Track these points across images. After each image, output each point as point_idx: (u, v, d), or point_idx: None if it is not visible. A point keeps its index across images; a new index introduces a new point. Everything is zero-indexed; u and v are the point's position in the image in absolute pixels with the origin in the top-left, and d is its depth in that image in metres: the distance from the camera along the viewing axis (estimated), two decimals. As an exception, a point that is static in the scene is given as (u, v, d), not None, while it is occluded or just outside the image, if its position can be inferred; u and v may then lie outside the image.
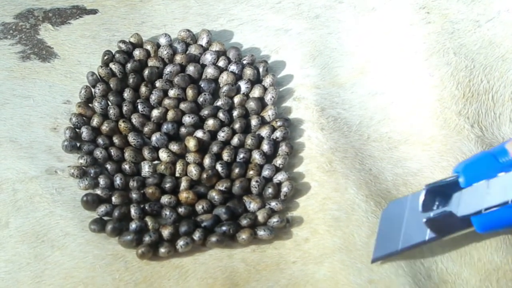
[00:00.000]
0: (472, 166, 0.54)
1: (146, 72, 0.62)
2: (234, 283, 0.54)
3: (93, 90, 0.61)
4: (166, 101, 0.61)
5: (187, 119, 0.60)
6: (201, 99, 0.61)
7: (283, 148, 0.59)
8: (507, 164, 0.53)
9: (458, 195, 0.54)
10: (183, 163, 0.58)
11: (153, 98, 0.61)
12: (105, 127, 0.60)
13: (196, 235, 0.55)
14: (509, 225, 0.54)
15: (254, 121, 0.60)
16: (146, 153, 0.59)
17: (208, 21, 0.66)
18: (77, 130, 0.60)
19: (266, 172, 0.58)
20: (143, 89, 0.61)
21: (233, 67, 0.63)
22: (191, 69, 0.62)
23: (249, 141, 0.59)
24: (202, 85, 0.62)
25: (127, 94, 0.61)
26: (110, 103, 0.61)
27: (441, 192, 0.54)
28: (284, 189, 0.57)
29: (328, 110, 0.61)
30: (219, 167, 0.58)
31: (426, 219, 0.53)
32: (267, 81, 0.62)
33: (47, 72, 0.63)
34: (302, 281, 0.54)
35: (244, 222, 0.56)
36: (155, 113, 0.60)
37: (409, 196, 0.56)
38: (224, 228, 0.55)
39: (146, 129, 0.60)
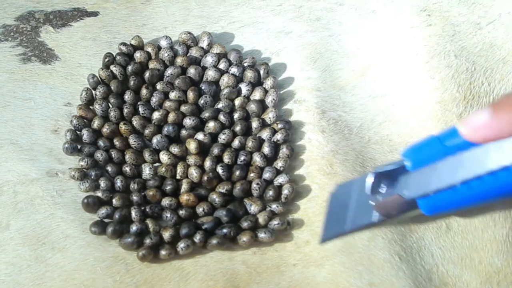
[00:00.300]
0: (418, 150, 0.54)
1: (147, 74, 0.62)
2: (235, 285, 0.54)
3: (94, 92, 0.61)
4: (167, 104, 0.61)
5: (188, 122, 0.60)
6: (201, 102, 0.61)
7: (283, 151, 0.59)
8: (453, 147, 0.53)
9: (405, 178, 0.54)
10: (183, 166, 0.58)
11: (154, 100, 0.61)
12: (106, 129, 0.60)
13: (197, 237, 0.55)
14: (456, 208, 0.54)
15: (255, 124, 0.60)
16: (146, 155, 0.59)
17: (209, 24, 0.66)
18: (78, 132, 0.60)
19: (266, 175, 0.58)
20: (144, 91, 0.61)
21: (234, 70, 0.63)
22: (192, 71, 0.62)
23: (249, 143, 0.59)
24: (203, 88, 0.62)
25: (128, 96, 0.61)
26: (111, 105, 0.61)
27: (388, 175, 0.54)
28: (285, 191, 0.57)
29: (329, 112, 0.61)
30: (219, 170, 0.58)
31: (374, 202, 0.53)
32: (268, 83, 0.62)
33: (48, 74, 0.63)
34: (303, 284, 0.54)
35: (244, 224, 0.56)
36: (156, 115, 0.60)
37: (357, 179, 0.56)
38: (224, 230, 0.55)
39: (146, 131, 0.60)
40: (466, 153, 0.52)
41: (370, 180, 0.54)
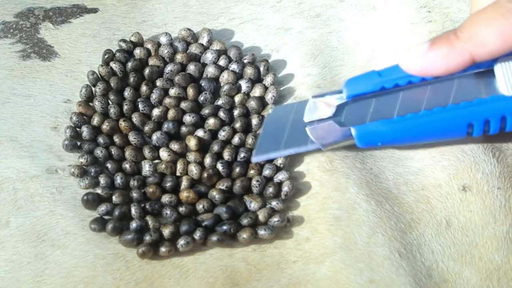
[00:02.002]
0: (357, 81, 0.57)
1: (147, 71, 0.62)
2: (234, 283, 0.54)
3: (93, 89, 0.61)
4: (167, 100, 0.61)
5: (188, 118, 0.60)
6: (201, 98, 0.61)
7: (283, 147, 0.59)
8: (391, 81, 0.56)
9: (342, 107, 0.56)
10: (183, 162, 0.58)
11: (154, 97, 0.61)
12: (105, 126, 0.60)
13: (197, 235, 0.55)
14: (389, 142, 0.57)
15: (254, 120, 0.60)
16: (146, 152, 0.59)
17: (208, 20, 0.66)
18: (77, 129, 0.60)
19: (266, 172, 0.58)
20: (143, 88, 0.61)
21: (233, 66, 0.62)
22: (191, 68, 0.62)
23: (249, 140, 0.59)
24: (202, 84, 0.62)
25: (127, 93, 0.61)
26: (110, 102, 0.61)
27: (326, 103, 0.57)
28: (285, 188, 0.57)
29: (329, 109, 0.61)
30: (219, 166, 0.58)
31: (309, 128, 0.57)
32: (268, 80, 0.62)
33: (48, 71, 0.63)
34: (303, 281, 0.54)
35: (244, 221, 0.56)
36: (156, 112, 0.60)
37: (296, 104, 0.58)
38: (224, 227, 0.55)
39: (146, 128, 0.60)
40: (403, 88, 0.56)
41: (308, 105, 0.57)
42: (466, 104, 0.55)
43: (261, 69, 0.63)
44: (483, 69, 0.56)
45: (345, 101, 0.57)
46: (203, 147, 0.59)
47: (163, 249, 0.55)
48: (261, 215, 0.56)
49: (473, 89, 0.56)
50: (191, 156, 0.59)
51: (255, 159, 0.58)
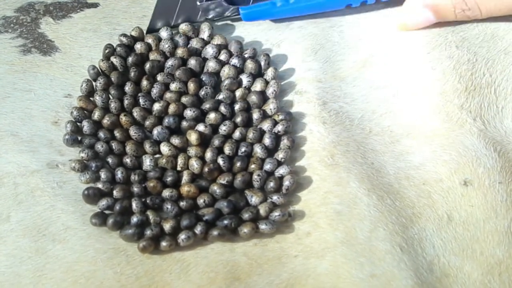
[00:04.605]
0: None
1: (147, 65, 0.62)
2: (235, 277, 0.54)
3: (94, 83, 0.61)
4: (168, 95, 0.61)
5: (189, 113, 0.60)
6: (202, 93, 0.61)
7: (284, 142, 0.59)
8: None
9: None
10: (184, 157, 0.58)
11: (155, 91, 0.61)
12: (106, 121, 0.59)
13: (198, 229, 0.55)
14: (272, 17, 0.65)
15: (255, 115, 0.60)
16: (147, 146, 0.59)
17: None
18: (78, 123, 0.60)
19: (267, 166, 0.58)
20: (144, 82, 0.61)
21: (234, 61, 0.62)
22: (192, 62, 0.62)
23: (250, 134, 0.59)
24: (203, 79, 0.62)
25: (128, 87, 0.61)
26: (111, 97, 0.61)
27: None
28: (286, 183, 0.57)
29: (330, 103, 0.61)
30: (220, 161, 0.58)
31: (200, 3, 0.64)
32: (269, 74, 0.62)
33: (48, 66, 0.63)
34: (304, 275, 0.54)
35: (245, 216, 0.56)
36: (157, 106, 0.60)
37: None
38: (225, 221, 0.55)
39: (147, 123, 0.60)
40: None
41: None
42: None
43: (262, 63, 0.63)
44: None
45: None
46: (204, 141, 0.59)
47: (164, 244, 0.55)
48: (262, 210, 0.56)
49: None
50: (192, 151, 0.59)
51: (148, 32, 0.64)
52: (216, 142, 0.59)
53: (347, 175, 0.58)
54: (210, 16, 0.64)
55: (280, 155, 0.59)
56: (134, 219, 0.55)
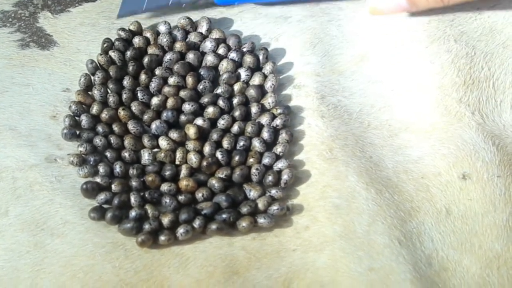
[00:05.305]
0: None
1: (146, 59, 0.62)
2: (234, 271, 0.54)
3: (92, 78, 0.61)
4: (166, 89, 0.60)
5: (187, 107, 0.60)
6: (201, 87, 0.61)
7: (283, 136, 0.59)
8: None
9: None
10: (183, 151, 0.58)
11: (153, 85, 0.61)
12: (104, 115, 0.59)
13: (196, 223, 0.55)
14: (244, 2, 0.65)
15: (254, 109, 0.60)
16: (145, 141, 0.59)
17: (207, 9, 0.66)
18: (76, 118, 0.60)
19: (266, 160, 0.58)
20: (142, 76, 0.61)
21: (233, 55, 0.62)
22: (190, 56, 0.62)
23: (249, 128, 0.59)
24: (202, 73, 0.62)
25: (126, 82, 0.61)
26: (109, 91, 0.61)
27: None
28: (284, 176, 0.57)
29: (328, 97, 0.61)
30: (219, 155, 0.58)
31: None
32: (267, 68, 0.62)
33: (47, 60, 0.63)
34: (303, 269, 0.54)
35: (244, 210, 0.56)
36: (155, 100, 0.60)
37: None
38: (224, 216, 0.55)
39: (145, 117, 0.60)
40: None
41: None
42: None
43: (261, 57, 0.62)
44: None
45: None
46: (202, 135, 0.59)
47: (162, 238, 0.55)
48: (261, 204, 0.56)
49: None
50: (190, 145, 0.59)
51: (118, 17, 0.64)
52: (214, 136, 0.59)
53: (345, 169, 0.58)
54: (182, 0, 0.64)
55: (278, 149, 0.59)
56: (133, 213, 0.55)
